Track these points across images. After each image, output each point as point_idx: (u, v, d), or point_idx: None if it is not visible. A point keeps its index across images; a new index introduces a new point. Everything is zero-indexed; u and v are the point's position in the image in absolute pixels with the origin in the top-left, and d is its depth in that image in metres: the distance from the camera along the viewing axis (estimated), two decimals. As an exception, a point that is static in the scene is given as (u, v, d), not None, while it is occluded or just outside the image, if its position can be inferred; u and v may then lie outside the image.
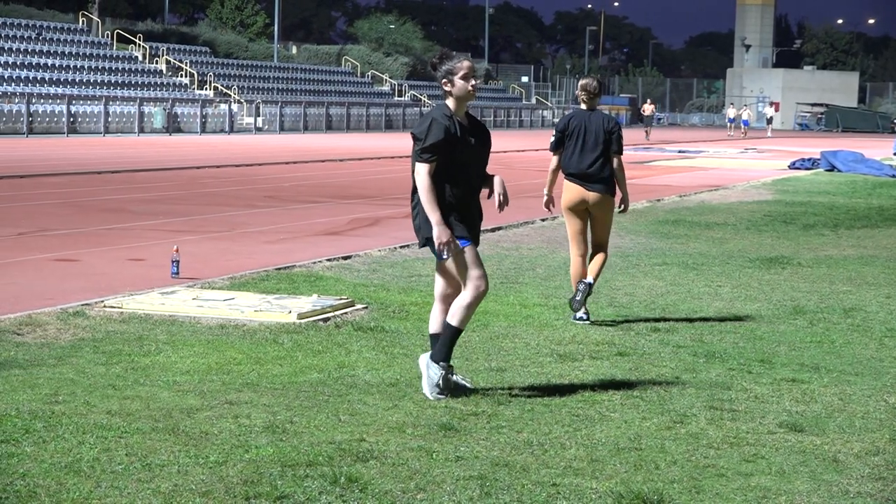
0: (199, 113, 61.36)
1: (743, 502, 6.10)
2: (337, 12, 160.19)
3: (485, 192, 8.26)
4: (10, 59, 58.58)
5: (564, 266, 13.80)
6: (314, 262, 14.56)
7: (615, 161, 11.41)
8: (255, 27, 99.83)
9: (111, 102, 57.47)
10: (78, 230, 18.11)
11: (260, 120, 65.71)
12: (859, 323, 11.49)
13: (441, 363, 8.05)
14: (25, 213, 20.38)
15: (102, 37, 70.32)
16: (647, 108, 74.51)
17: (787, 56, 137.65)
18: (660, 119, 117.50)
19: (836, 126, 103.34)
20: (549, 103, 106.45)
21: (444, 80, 8.12)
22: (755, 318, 11.66)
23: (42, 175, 29.11)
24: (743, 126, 78.35)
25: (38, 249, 15.65)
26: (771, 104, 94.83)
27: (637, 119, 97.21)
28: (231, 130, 62.58)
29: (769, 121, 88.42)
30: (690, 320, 11.41)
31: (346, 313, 11.14)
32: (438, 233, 7.87)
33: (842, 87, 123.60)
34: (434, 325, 8.23)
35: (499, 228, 18.83)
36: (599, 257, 11.50)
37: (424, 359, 8.15)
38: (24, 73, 57.93)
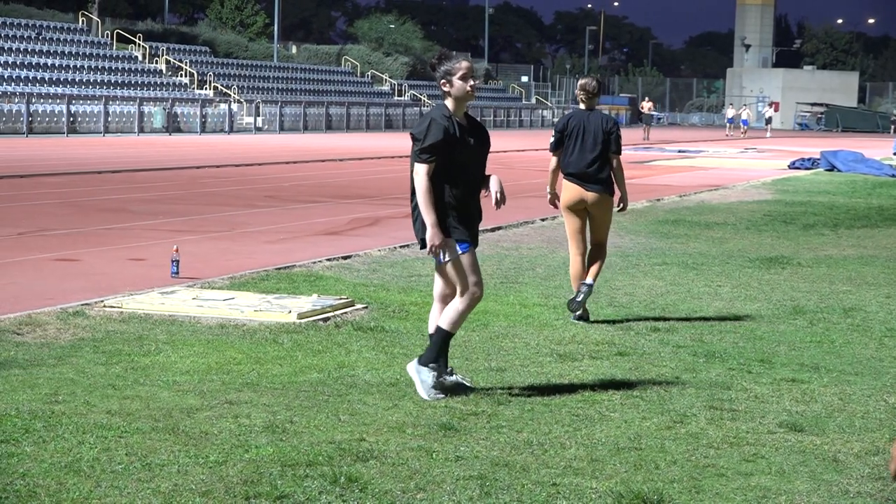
0: (198, 113, 61.34)
1: (743, 502, 6.10)
2: (337, 12, 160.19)
3: (483, 191, 8.26)
4: (10, 59, 58.57)
5: (564, 266, 13.80)
6: (314, 262, 14.56)
7: (614, 161, 11.41)
8: (254, 27, 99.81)
9: (111, 102, 57.46)
10: (78, 230, 18.11)
11: (260, 120, 65.70)
12: (859, 323, 11.49)
13: (431, 365, 8.05)
14: (25, 213, 20.38)
15: (102, 36, 70.32)
16: (646, 106, 74.48)
17: (786, 56, 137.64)
18: (659, 119, 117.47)
19: (835, 126, 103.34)
20: (548, 103, 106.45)
21: (442, 81, 8.12)
22: (755, 317, 11.66)
23: (42, 175, 29.11)
24: (743, 126, 78.32)
25: (37, 249, 15.65)
26: (770, 104, 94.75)
27: (637, 118, 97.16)
28: (231, 130, 62.57)
29: (768, 121, 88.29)
30: (690, 320, 11.42)
31: (345, 313, 11.14)
32: (431, 235, 7.87)
33: (842, 87, 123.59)
34: (433, 326, 8.23)
35: (499, 228, 18.83)
36: (599, 258, 11.51)
37: (413, 366, 8.13)
38: (23, 73, 57.92)
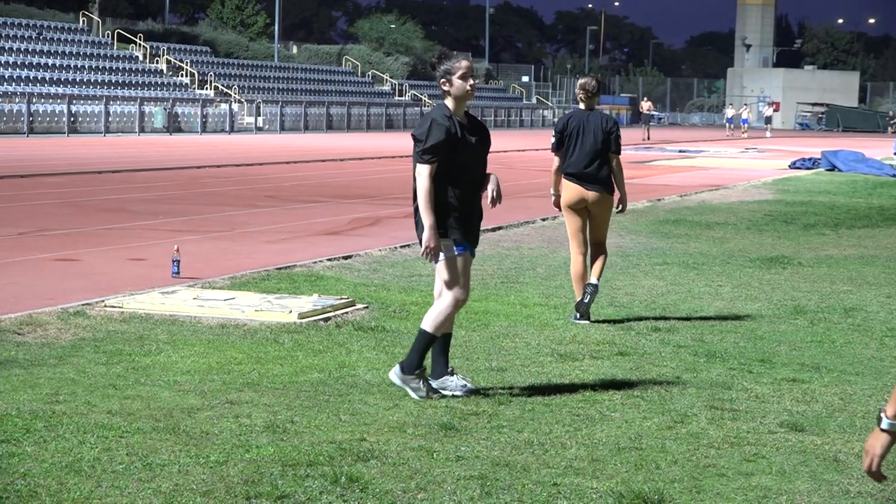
0: (199, 113, 61.35)
1: (744, 502, 6.10)
2: (337, 12, 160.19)
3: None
4: (11, 59, 58.59)
5: (565, 265, 13.80)
6: (315, 262, 14.56)
7: (613, 161, 11.42)
8: (255, 27, 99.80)
9: (112, 102, 57.47)
10: (78, 230, 18.11)
11: (260, 120, 65.71)
12: (860, 323, 11.49)
13: (416, 373, 8.02)
14: (26, 213, 20.38)
15: (103, 36, 70.32)
16: (645, 106, 74.44)
17: (787, 56, 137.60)
18: (660, 118, 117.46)
19: (836, 126, 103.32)
20: (549, 103, 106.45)
21: (442, 80, 8.12)
22: (756, 317, 11.66)
23: (42, 175, 29.11)
24: (743, 125, 78.29)
25: (38, 249, 15.65)
26: (769, 104, 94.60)
27: (637, 118, 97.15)
28: (231, 130, 62.58)
29: (767, 120, 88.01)
30: (691, 320, 11.42)
31: (346, 313, 11.14)
32: (428, 237, 7.87)
33: (842, 87, 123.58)
34: (435, 326, 8.22)
35: (499, 228, 18.83)
36: (601, 258, 11.52)
37: (396, 375, 8.09)
38: (24, 73, 57.94)
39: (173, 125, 59.45)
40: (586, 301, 11.14)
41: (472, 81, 8.10)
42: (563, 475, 6.38)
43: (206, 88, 67.30)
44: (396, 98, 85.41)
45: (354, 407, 7.67)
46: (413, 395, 8.02)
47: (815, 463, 6.77)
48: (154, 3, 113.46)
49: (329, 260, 14.77)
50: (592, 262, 11.50)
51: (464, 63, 8.12)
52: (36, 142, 47.26)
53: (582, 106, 11.51)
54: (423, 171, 7.92)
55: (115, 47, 68.58)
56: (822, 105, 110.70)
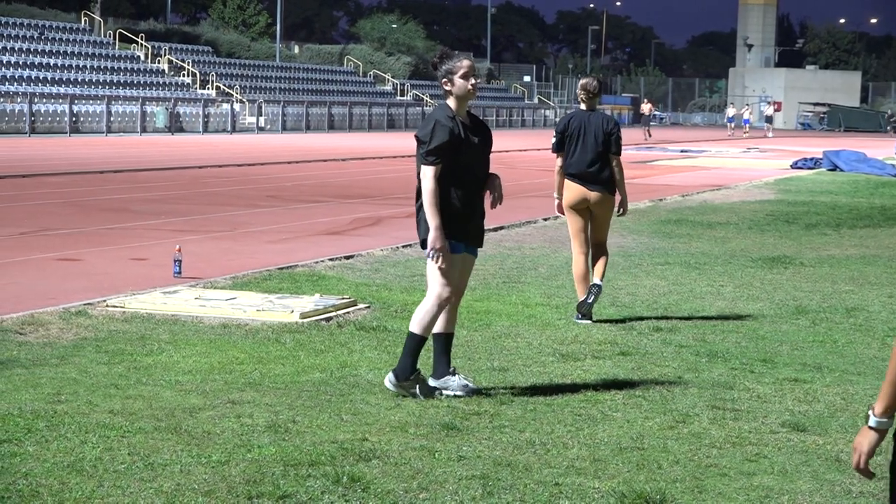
0: (201, 112, 61.37)
1: (745, 502, 6.10)
2: (339, 12, 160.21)
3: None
4: (13, 59, 58.60)
5: (567, 265, 13.80)
6: (316, 262, 14.56)
7: (614, 162, 11.42)
8: (257, 27, 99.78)
9: (113, 102, 57.49)
10: (80, 230, 18.11)
11: (262, 119, 65.72)
12: (861, 322, 11.49)
13: (411, 378, 8.01)
14: (28, 213, 20.38)
15: (105, 36, 70.33)
16: (646, 108, 74.35)
17: (789, 56, 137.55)
18: (662, 119, 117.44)
19: (838, 126, 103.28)
20: (551, 103, 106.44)
21: (444, 80, 8.12)
22: (757, 317, 11.65)
23: (44, 175, 29.12)
24: (745, 125, 78.23)
25: (40, 249, 15.66)
26: (770, 104, 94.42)
27: (639, 118, 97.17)
28: (233, 130, 62.59)
29: (768, 120, 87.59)
30: (693, 320, 11.41)
31: (348, 313, 11.14)
32: (434, 238, 7.86)
33: (844, 87, 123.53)
34: (436, 326, 8.21)
35: (501, 228, 18.83)
36: (602, 259, 11.53)
37: (391, 383, 8.05)
38: (26, 73, 57.95)
39: (175, 125, 59.47)
40: (590, 301, 11.14)
41: (473, 81, 8.10)
42: (564, 475, 6.37)
43: (208, 88, 67.30)
44: (398, 98, 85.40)
45: (356, 407, 7.67)
46: (411, 396, 8.00)
47: (817, 463, 6.77)
48: (156, 2, 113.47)
49: (331, 260, 14.77)
50: (594, 263, 11.50)
51: (465, 62, 8.12)
52: (38, 141, 47.27)
53: (583, 106, 11.52)
54: (428, 173, 7.91)
55: (116, 47, 68.59)
56: (823, 105, 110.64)
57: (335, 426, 7.18)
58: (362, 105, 74.79)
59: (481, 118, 8.41)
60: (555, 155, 11.56)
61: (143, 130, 56.99)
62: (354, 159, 40.15)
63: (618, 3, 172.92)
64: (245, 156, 39.87)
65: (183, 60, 69.66)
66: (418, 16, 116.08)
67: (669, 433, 7.28)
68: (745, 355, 9.74)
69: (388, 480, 6.18)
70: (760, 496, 6.17)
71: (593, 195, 11.38)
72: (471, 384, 8.19)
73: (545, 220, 20.28)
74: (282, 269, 13.84)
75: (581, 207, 11.45)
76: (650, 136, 67.50)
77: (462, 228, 8.00)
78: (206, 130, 60.82)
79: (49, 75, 59.04)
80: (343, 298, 11.60)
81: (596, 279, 11.32)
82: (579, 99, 11.55)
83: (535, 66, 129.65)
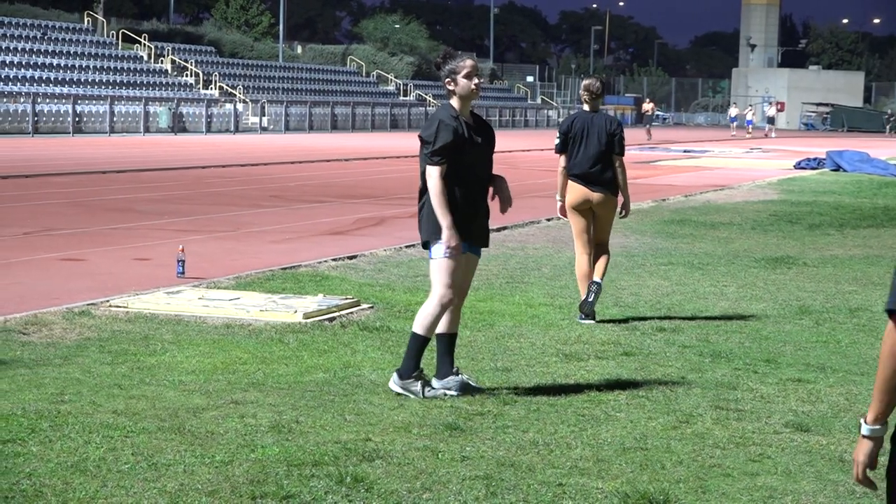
0: (204, 113, 61.38)
1: (749, 502, 6.10)
2: (342, 12, 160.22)
3: (490, 192, 8.27)
4: (16, 59, 58.62)
5: (570, 265, 13.80)
6: (319, 262, 14.56)
7: (617, 163, 11.43)
8: (260, 27, 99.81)
9: (116, 102, 57.52)
10: (83, 230, 18.12)
11: (265, 119, 65.75)
12: (865, 323, 11.48)
13: (413, 375, 8.02)
14: (31, 213, 20.39)
15: (107, 36, 70.34)
16: (647, 107, 74.25)
17: (792, 56, 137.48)
18: (665, 119, 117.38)
19: (841, 126, 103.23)
20: (554, 103, 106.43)
21: (447, 80, 8.13)
22: (761, 317, 11.65)
23: (47, 175, 29.13)
24: (747, 126, 78.11)
25: (43, 249, 15.66)
26: (771, 104, 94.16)
27: (640, 119, 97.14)
28: (236, 130, 62.61)
29: (770, 120, 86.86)
30: (696, 320, 11.41)
31: (351, 313, 11.14)
32: (448, 237, 7.86)
33: (847, 87, 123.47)
34: (439, 326, 8.21)
35: (504, 228, 18.82)
36: (603, 258, 11.54)
37: (395, 384, 8.07)
38: (29, 73, 57.96)
39: (178, 125, 59.49)
40: (590, 300, 11.15)
41: (476, 80, 8.11)
42: (568, 475, 6.37)
43: (211, 88, 67.32)
44: (401, 98, 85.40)
45: (359, 407, 7.67)
46: (412, 396, 8.00)
47: (821, 463, 6.77)
48: (159, 2, 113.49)
49: (334, 260, 14.78)
50: (594, 263, 11.50)
51: (468, 62, 8.12)
52: (41, 142, 47.30)
53: (586, 107, 11.52)
54: (434, 173, 7.91)
55: (119, 47, 68.61)
56: (826, 105, 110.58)
57: (339, 426, 7.18)
58: (365, 105, 74.80)
59: (484, 118, 8.42)
60: (558, 155, 11.57)
61: (147, 131, 57.02)
62: (358, 159, 40.15)
63: (621, 4, 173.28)
64: (248, 156, 39.88)
65: (186, 60, 69.68)
66: (421, 16, 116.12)
67: (673, 433, 7.28)
68: (749, 356, 9.74)
69: (391, 481, 6.18)
70: (764, 496, 6.17)
71: (596, 196, 11.38)
72: (473, 383, 8.19)
73: (548, 220, 20.28)
74: (285, 269, 13.84)
75: (583, 208, 11.45)
76: (650, 136, 67.25)
77: (465, 228, 8.00)
78: (209, 131, 60.84)
79: (52, 75, 59.05)
80: (346, 299, 11.60)
81: (596, 277, 11.32)
82: (582, 100, 11.56)
83: (538, 67, 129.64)
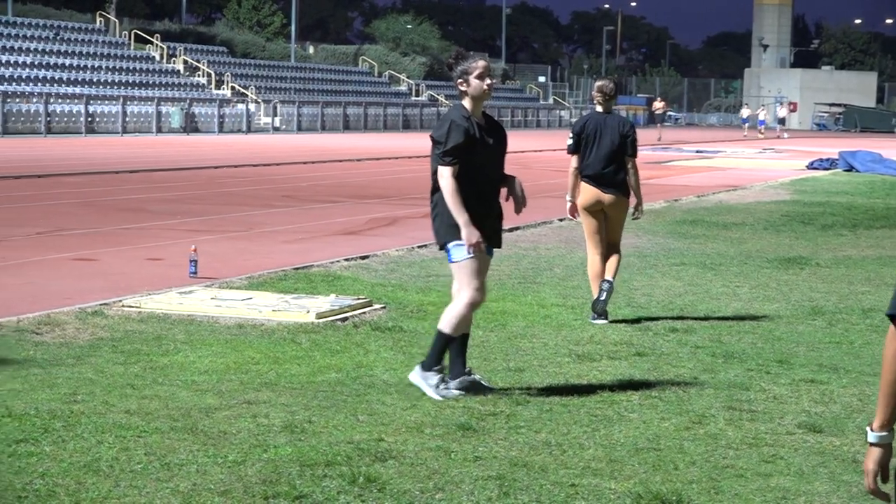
0: (216, 113, 61.46)
1: (762, 503, 6.08)
2: (354, 12, 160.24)
3: (503, 193, 8.27)
4: (29, 59, 58.74)
5: (582, 266, 13.79)
6: (332, 262, 14.57)
7: (629, 164, 11.43)
8: (272, 27, 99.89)
9: (129, 102, 57.61)
10: (96, 230, 18.14)
11: (277, 120, 65.81)
12: (878, 323, 11.45)
13: (435, 369, 8.05)
14: (43, 213, 20.43)
15: (120, 37, 70.45)
16: (658, 105, 73.98)
17: (804, 56, 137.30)
18: (677, 119, 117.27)
19: (854, 126, 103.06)
20: (566, 103, 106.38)
21: (459, 80, 8.12)
22: (773, 318, 11.63)
23: (60, 175, 29.19)
24: (759, 126, 77.96)
25: (56, 249, 15.69)
26: (782, 104, 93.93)
27: (652, 119, 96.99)
28: (248, 130, 62.67)
29: (781, 121, 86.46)
30: (709, 320, 11.40)
31: (363, 313, 11.15)
32: (468, 234, 7.86)
33: (860, 87, 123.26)
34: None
35: (517, 228, 18.81)
36: (615, 257, 11.54)
37: (416, 375, 8.12)
38: (42, 73, 58.07)
39: (190, 125, 59.57)
40: (602, 298, 11.15)
41: (488, 81, 8.10)
42: (581, 476, 6.37)
43: (223, 88, 67.39)
44: (413, 98, 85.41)
45: (372, 407, 7.67)
46: (427, 391, 8.01)
47: (834, 464, 6.76)
48: (171, 3, 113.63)
49: (346, 260, 14.78)
50: (606, 262, 11.49)
51: (481, 63, 8.12)
52: (54, 142, 47.39)
53: (599, 108, 11.52)
54: (446, 173, 7.91)
55: (132, 47, 68.72)
56: (839, 105, 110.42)
57: (351, 426, 7.18)
58: (377, 105, 74.83)
59: (496, 119, 8.41)
60: (570, 156, 11.57)
61: (159, 131, 57.11)
62: (370, 159, 40.17)
63: (633, 4, 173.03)
64: (260, 156, 39.92)
65: (198, 61, 69.75)
66: (433, 16, 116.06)
67: (686, 434, 7.27)
68: (762, 356, 9.73)
69: (404, 481, 6.18)
70: (777, 497, 6.16)
71: (607, 197, 11.38)
72: (485, 383, 8.20)
73: (560, 220, 20.26)
74: (297, 269, 13.85)
75: (595, 209, 11.45)
76: (660, 137, 66.93)
77: (481, 230, 7.99)
78: (221, 131, 60.91)
79: (64, 76, 59.15)
80: (359, 299, 11.61)
81: (608, 276, 11.32)
82: (595, 101, 11.56)
83: (550, 67, 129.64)
